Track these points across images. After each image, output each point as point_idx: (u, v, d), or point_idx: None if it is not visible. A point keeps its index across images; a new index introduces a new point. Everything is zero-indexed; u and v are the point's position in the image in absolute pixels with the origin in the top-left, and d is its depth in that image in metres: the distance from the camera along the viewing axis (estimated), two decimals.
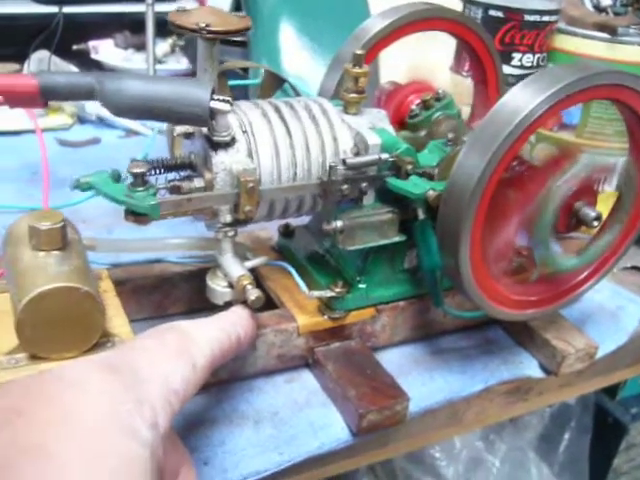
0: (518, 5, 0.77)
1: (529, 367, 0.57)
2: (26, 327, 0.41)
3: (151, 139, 0.88)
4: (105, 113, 0.96)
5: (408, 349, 0.57)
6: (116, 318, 0.48)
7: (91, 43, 1.15)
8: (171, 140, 0.49)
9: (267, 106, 0.49)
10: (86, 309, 0.43)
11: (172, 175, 0.48)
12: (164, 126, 0.93)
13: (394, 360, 0.55)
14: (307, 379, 0.53)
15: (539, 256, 0.50)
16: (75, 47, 1.13)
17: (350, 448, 0.49)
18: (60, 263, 0.44)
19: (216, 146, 0.45)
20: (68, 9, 1.13)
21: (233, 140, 0.46)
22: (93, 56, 1.15)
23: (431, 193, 0.48)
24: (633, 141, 0.50)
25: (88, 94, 0.43)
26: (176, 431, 0.41)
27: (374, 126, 0.51)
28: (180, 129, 0.48)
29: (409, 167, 0.49)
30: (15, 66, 1.02)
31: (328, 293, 0.52)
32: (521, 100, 0.44)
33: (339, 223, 0.48)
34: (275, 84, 0.55)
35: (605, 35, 0.78)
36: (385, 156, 0.48)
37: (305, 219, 0.60)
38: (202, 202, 0.44)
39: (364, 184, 0.49)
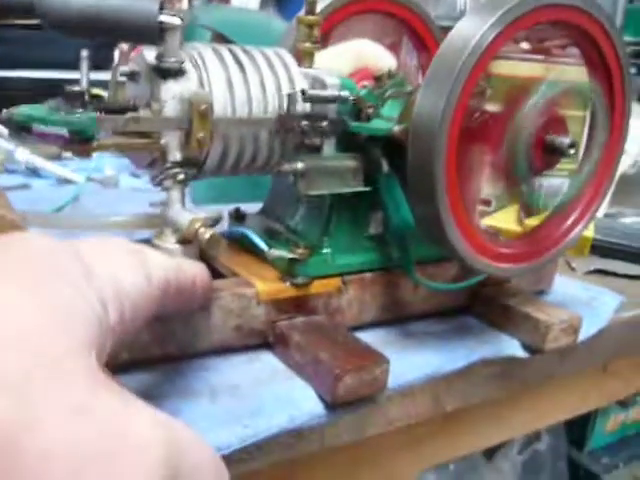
0: None
1: (511, 347, 0.52)
2: None
3: (82, 186, 0.84)
4: (35, 161, 0.91)
5: (379, 332, 0.52)
6: None
7: None
8: (114, 85, 0.45)
9: (219, 46, 0.46)
10: None
11: None
12: (94, 174, 0.90)
13: (365, 340, 0.49)
14: (269, 360, 0.47)
15: (525, 197, 0.47)
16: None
17: (324, 424, 0.42)
18: None
19: (165, 73, 0.41)
20: None
21: (183, 70, 0.42)
22: None
23: (397, 128, 0.44)
24: (590, 64, 0.48)
25: (26, 8, 0.39)
26: None
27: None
28: (124, 69, 0.44)
29: (370, 110, 0.46)
30: None
31: (289, 254, 0.47)
32: (470, 28, 0.43)
33: (300, 165, 0.44)
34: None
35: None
36: (346, 94, 0.45)
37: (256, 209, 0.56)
38: (149, 124, 0.40)
39: (324, 123, 0.45)
